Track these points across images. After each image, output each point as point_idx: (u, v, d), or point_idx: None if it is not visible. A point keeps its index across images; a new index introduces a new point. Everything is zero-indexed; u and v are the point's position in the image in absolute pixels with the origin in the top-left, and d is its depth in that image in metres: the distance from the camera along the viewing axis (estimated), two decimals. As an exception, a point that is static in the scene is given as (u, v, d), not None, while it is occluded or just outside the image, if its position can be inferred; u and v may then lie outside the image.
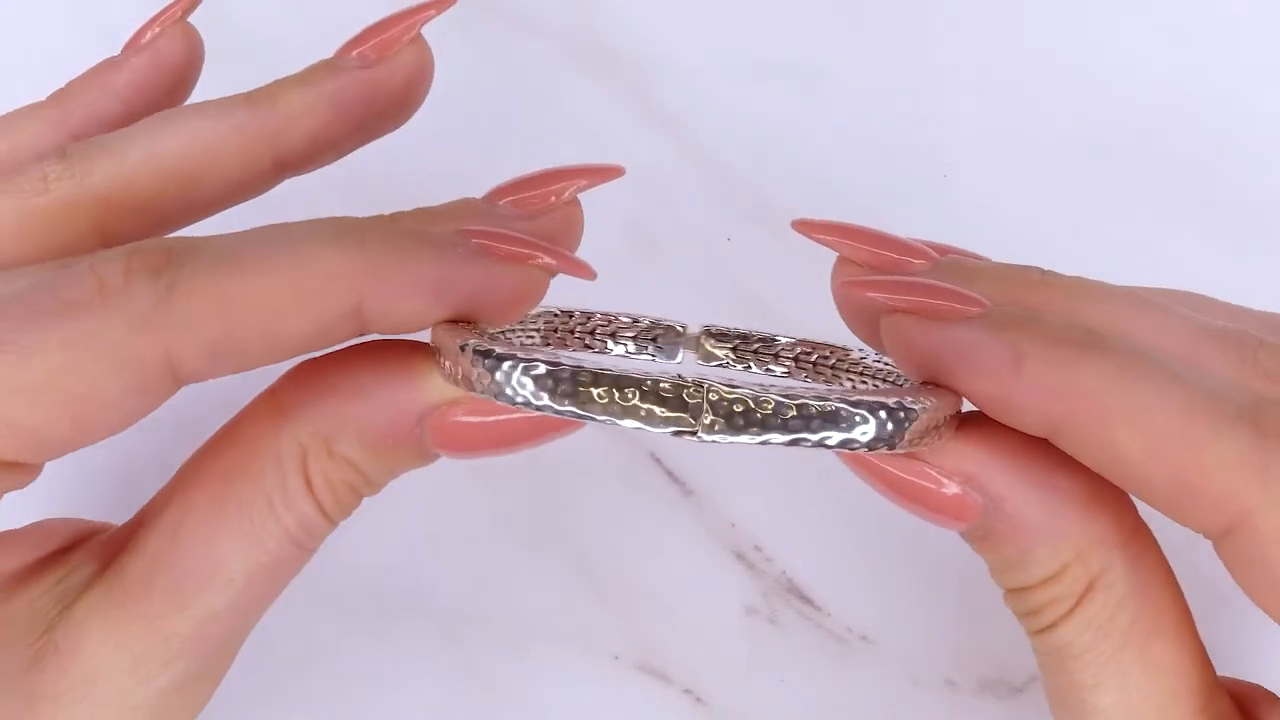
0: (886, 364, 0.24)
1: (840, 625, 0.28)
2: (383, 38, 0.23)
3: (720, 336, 0.25)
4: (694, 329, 0.25)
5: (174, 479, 0.21)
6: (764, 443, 0.18)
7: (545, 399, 0.17)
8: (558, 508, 0.29)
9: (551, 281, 0.21)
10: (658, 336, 0.25)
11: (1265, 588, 0.19)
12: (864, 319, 0.21)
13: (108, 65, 0.24)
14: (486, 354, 0.18)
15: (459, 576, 0.29)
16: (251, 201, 0.24)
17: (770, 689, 0.28)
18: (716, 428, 0.17)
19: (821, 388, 0.18)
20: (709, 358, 0.25)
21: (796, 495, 0.29)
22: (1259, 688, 0.22)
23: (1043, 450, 0.19)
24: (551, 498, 0.29)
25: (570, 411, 0.17)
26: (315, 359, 0.20)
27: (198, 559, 0.20)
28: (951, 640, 0.28)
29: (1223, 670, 0.21)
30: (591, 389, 0.17)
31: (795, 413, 0.18)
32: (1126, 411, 0.18)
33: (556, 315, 0.25)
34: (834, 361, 0.25)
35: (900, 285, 0.20)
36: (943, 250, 0.22)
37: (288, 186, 0.24)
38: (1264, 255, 0.31)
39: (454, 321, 0.20)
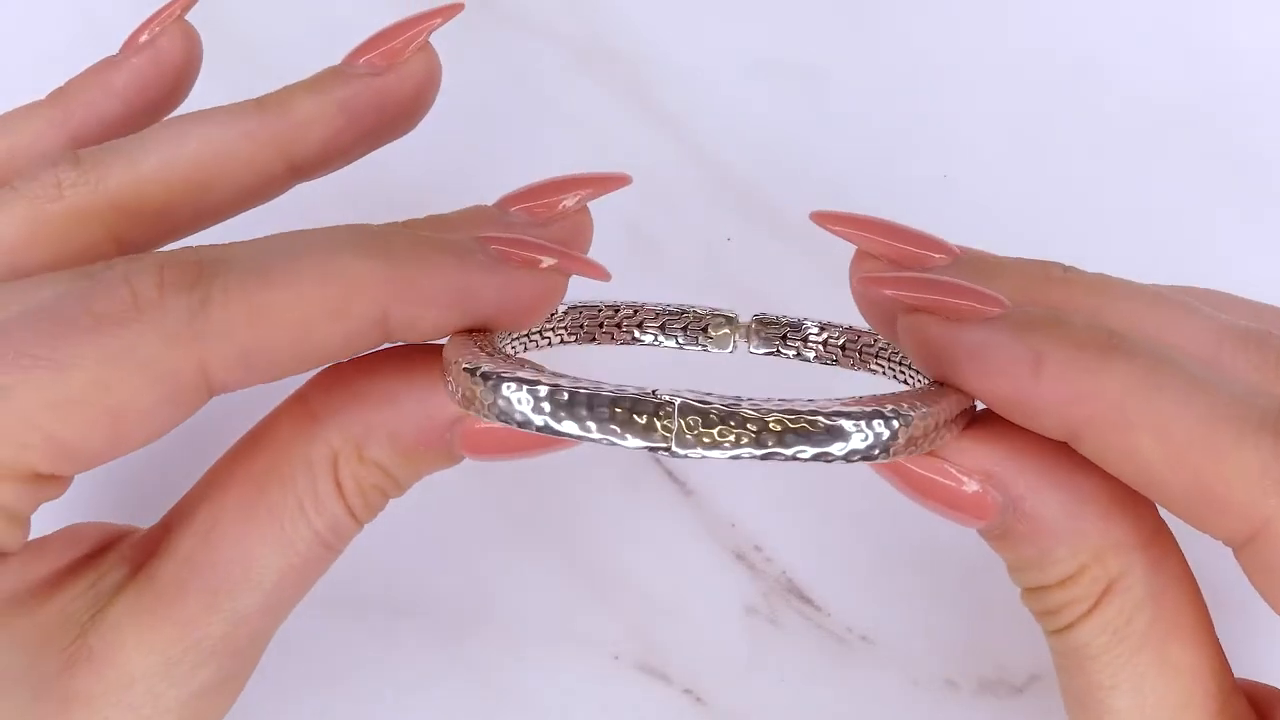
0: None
1: (840, 625, 0.28)
2: (391, 45, 0.23)
3: (766, 324, 0.25)
4: (744, 318, 0.25)
5: (202, 482, 0.21)
6: (735, 457, 0.17)
7: (527, 415, 0.18)
8: (558, 508, 0.29)
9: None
10: (706, 326, 0.25)
11: None
12: (882, 314, 0.21)
13: (107, 65, 0.24)
14: (474, 372, 0.18)
15: (459, 576, 0.29)
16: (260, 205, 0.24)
17: (770, 689, 0.28)
18: (689, 442, 0.17)
19: (802, 400, 0.18)
20: (754, 342, 0.25)
21: (796, 495, 0.29)
22: (1277, 690, 0.22)
23: (1063, 450, 0.19)
24: (552, 498, 0.29)
25: (548, 428, 0.17)
26: (344, 365, 0.21)
27: (229, 562, 0.20)
28: (951, 640, 0.28)
29: (1241, 673, 0.21)
30: (571, 408, 0.17)
31: (768, 426, 0.17)
32: (1147, 418, 0.18)
33: (599, 308, 0.25)
34: (861, 346, 0.25)
35: (920, 283, 0.20)
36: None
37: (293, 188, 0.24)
38: (1268, 255, 0.31)
39: (469, 331, 0.20)
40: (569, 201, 0.21)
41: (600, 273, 0.21)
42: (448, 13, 0.24)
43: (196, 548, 0.20)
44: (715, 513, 0.29)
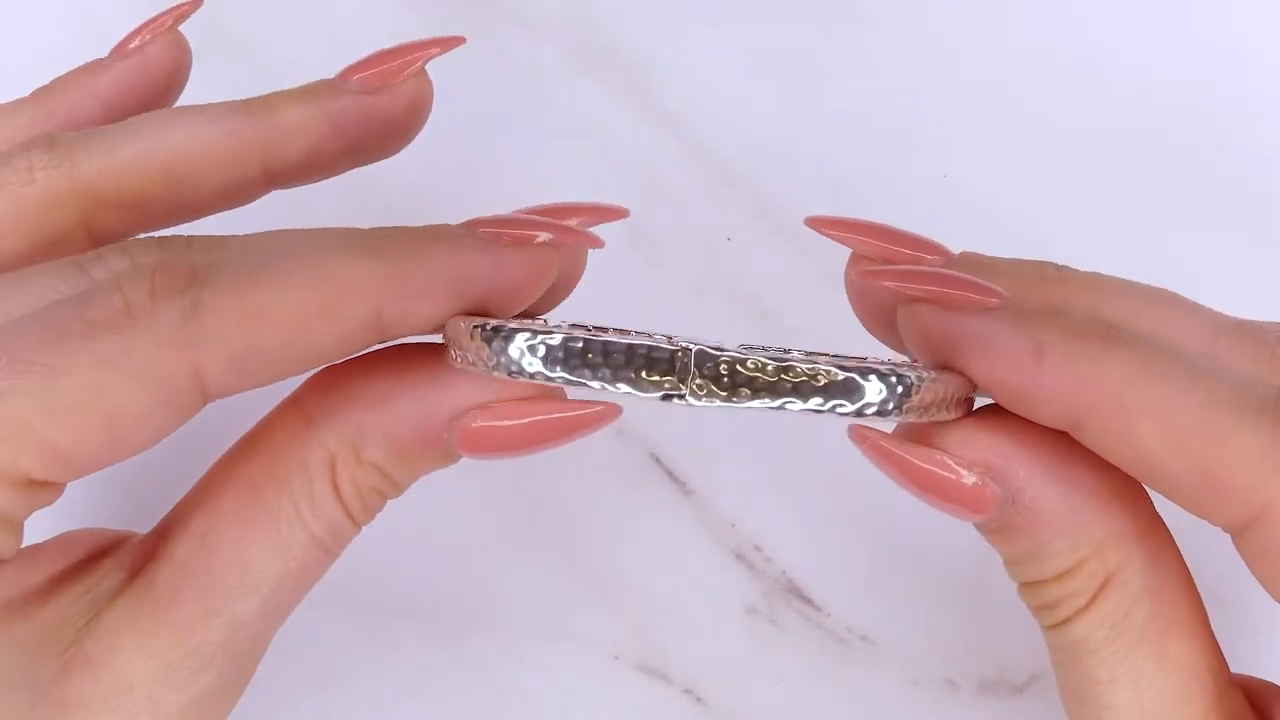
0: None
1: (840, 625, 0.28)
2: (387, 66, 0.23)
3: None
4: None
5: (198, 487, 0.21)
6: (749, 408, 0.18)
7: (539, 367, 0.18)
8: (558, 508, 0.29)
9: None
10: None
11: None
12: (878, 312, 0.21)
13: (93, 67, 0.24)
14: (485, 329, 0.18)
15: (459, 577, 0.29)
16: (255, 204, 0.24)
17: (770, 689, 0.28)
18: (704, 391, 0.18)
19: (820, 353, 0.18)
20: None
21: (796, 495, 0.29)
22: (1272, 685, 0.22)
23: (1062, 442, 0.19)
24: (552, 498, 0.29)
25: (562, 378, 0.18)
26: (338, 367, 0.21)
27: (226, 566, 0.20)
28: (951, 640, 0.28)
29: (1235, 669, 0.21)
30: (583, 356, 0.18)
31: (785, 376, 0.18)
32: (1148, 404, 0.18)
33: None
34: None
35: (919, 275, 0.20)
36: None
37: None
38: (1268, 254, 0.31)
39: (466, 315, 0.20)
40: (542, 236, 0.21)
41: (594, 240, 0.21)
42: (446, 44, 0.24)
43: (193, 553, 0.20)
44: (715, 513, 0.29)
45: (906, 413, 0.18)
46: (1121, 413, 0.18)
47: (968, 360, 0.19)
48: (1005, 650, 0.28)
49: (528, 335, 0.18)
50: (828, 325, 0.26)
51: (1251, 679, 0.22)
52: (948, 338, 0.19)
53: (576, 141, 0.33)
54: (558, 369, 0.18)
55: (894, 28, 0.34)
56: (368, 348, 0.20)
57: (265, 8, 0.34)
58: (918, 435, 0.20)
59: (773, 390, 0.18)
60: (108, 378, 0.18)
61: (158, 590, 0.20)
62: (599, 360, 0.18)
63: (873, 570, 0.29)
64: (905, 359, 0.24)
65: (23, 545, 0.20)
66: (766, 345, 0.18)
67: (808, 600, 0.28)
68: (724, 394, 0.18)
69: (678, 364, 0.18)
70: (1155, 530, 0.20)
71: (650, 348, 0.18)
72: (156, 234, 0.22)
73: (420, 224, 0.21)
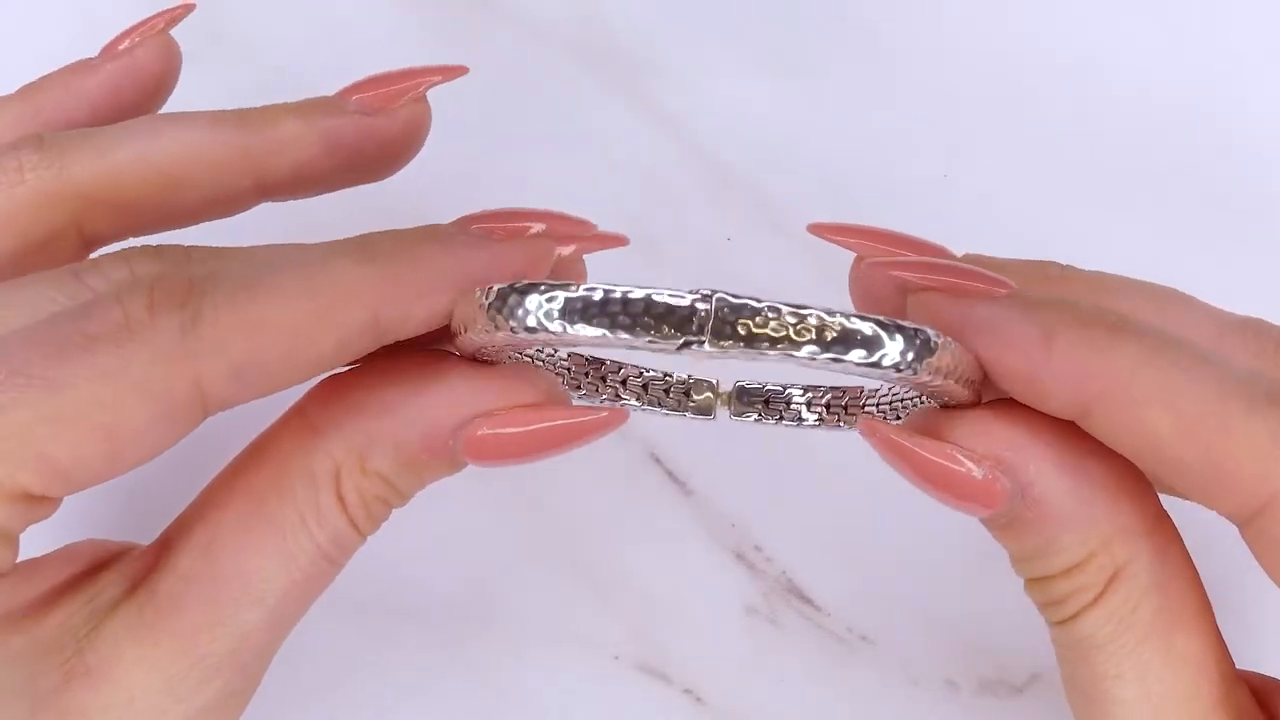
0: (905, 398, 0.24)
1: (840, 625, 0.28)
2: (387, 90, 0.23)
3: (749, 394, 0.25)
4: (725, 387, 0.25)
5: (201, 498, 0.21)
6: (767, 356, 0.17)
7: (557, 320, 0.18)
8: (558, 508, 0.29)
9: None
10: (689, 391, 0.25)
11: None
12: (883, 309, 0.21)
13: (81, 67, 0.24)
14: (501, 293, 0.18)
15: (459, 577, 0.29)
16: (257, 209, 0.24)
17: (770, 689, 0.28)
18: (723, 339, 0.17)
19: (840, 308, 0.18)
20: (742, 414, 0.25)
21: (796, 495, 0.29)
22: (1276, 681, 0.22)
23: (1071, 435, 0.19)
24: (552, 498, 0.29)
25: (581, 331, 0.17)
26: (342, 375, 0.20)
27: (230, 576, 0.20)
28: (951, 640, 0.28)
29: (1240, 664, 0.21)
30: (602, 307, 0.17)
31: (806, 323, 0.17)
32: (1158, 392, 0.18)
33: (587, 360, 0.24)
34: (847, 402, 0.24)
35: (929, 266, 0.20)
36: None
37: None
38: (1267, 255, 0.31)
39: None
40: (536, 227, 0.21)
41: (586, 227, 0.21)
42: (449, 73, 0.24)
43: (196, 563, 0.20)
44: (715, 513, 0.29)
45: (923, 371, 0.18)
46: (1131, 401, 0.18)
47: (978, 346, 0.19)
48: (1005, 650, 0.28)
49: (544, 288, 0.18)
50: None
51: (1256, 675, 0.22)
52: (957, 325, 0.19)
53: (576, 142, 0.33)
54: (576, 321, 0.18)
55: (894, 29, 0.34)
56: (367, 351, 0.20)
57: (265, 10, 0.34)
58: (927, 429, 0.20)
59: (792, 340, 0.17)
60: (107, 391, 0.18)
61: (159, 600, 0.19)
62: (618, 309, 0.17)
63: (873, 570, 0.29)
64: None
65: (20, 558, 0.20)
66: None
67: (808, 600, 0.28)
68: (743, 343, 0.17)
69: (697, 312, 0.17)
70: (1162, 525, 0.20)
71: (670, 293, 0.17)
72: (155, 242, 0.21)
73: (415, 223, 0.21)
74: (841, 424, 0.24)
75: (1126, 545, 0.19)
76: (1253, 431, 0.18)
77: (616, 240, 0.22)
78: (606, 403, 0.22)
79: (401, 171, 0.25)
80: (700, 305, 0.17)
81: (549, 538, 0.29)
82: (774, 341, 0.17)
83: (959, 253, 0.22)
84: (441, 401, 0.20)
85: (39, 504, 0.19)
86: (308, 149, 0.23)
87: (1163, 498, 0.20)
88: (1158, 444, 0.18)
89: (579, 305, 0.18)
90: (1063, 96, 0.33)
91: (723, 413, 0.24)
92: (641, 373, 0.24)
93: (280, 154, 0.23)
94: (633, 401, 0.24)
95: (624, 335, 0.17)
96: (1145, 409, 0.18)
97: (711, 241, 0.32)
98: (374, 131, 0.23)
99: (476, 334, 0.19)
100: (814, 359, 0.17)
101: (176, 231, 0.23)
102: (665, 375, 0.24)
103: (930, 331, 0.18)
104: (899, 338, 0.18)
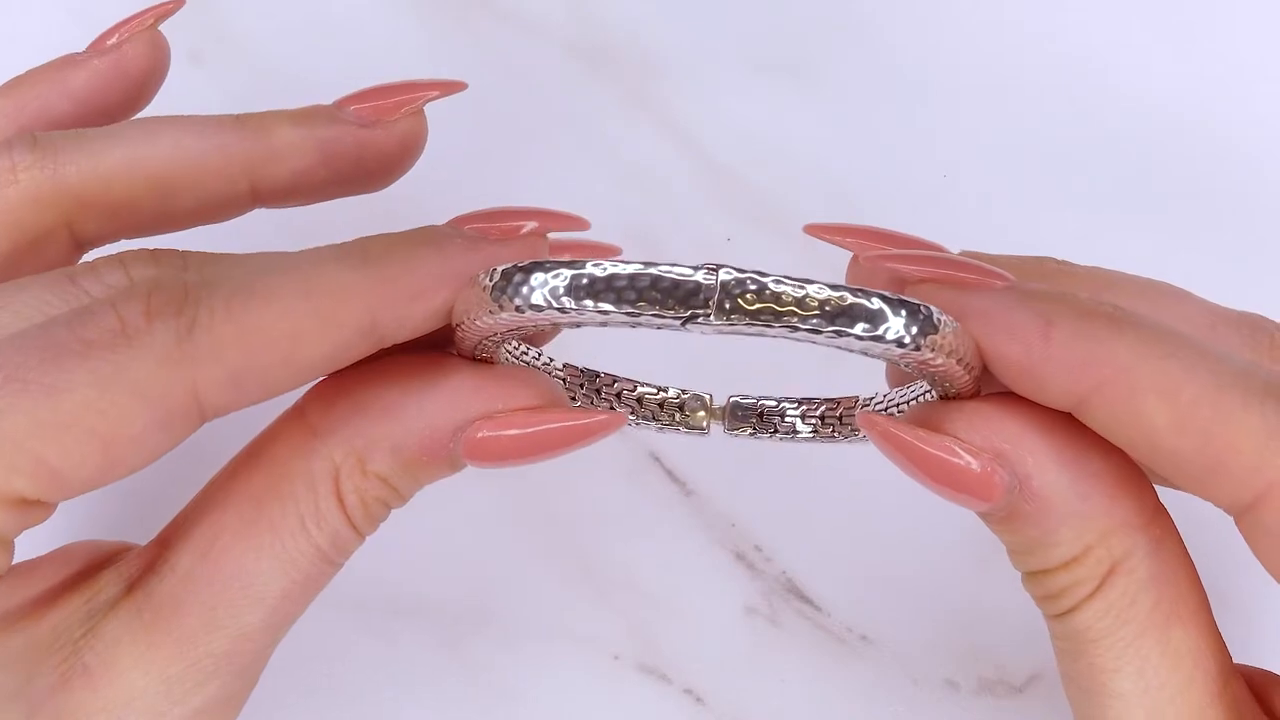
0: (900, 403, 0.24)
1: (840, 625, 0.28)
2: (385, 102, 0.23)
3: (742, 409, 0.25)
4: (719, 402, 0.24)
5: (199, 499, 0.21)
6: (773, 330, 0.17)
7: (563, 298, 0.18)
8: (558, 508, 0.29)
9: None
10: (683, 406, 0.24)
11: None
12: None
13: (67, 63, 0.24)
14: (506, 273, 0.18)
15: (459, 576, 0.29)
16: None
17: (770, 689, 0.28)
18: (730, 312, 0.17)
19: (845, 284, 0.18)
20: (736, 429, 0.25)
21: (796, 495, 0.29)
22: (1274, 674, 0.22)
23: (1069, 428, 0.19)
24: (552, 498, 0.29)
25: (587, 308, 0.17)
26: (343, 377, 0.20)
27: (229, 578, 0.20)
28: (951, 640, 0.28)
29: (1236, 659, 0.21)
30: (609, 282, 0.17)
31: (812, 296, 0.17)
32: (1156, 383, 0.18)
33: (582, 372, 0.24)
34: (841, 413, 0.24)
35: (926, 259, 0.20)
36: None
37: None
38: (1265, 253, 0.31)
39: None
40: (528, 226, 0.21)
41: (579, 223, 0.21)
42: (448, 88, 0.24)
43: (195, 564, 0.20)
44: (715, 513, 0.29)
45: (925, 348, 0.18)
46: (1129, 391, 0.18)
47: (976, 335, 0.19)
48: (1005, 650, 0.28)
49: (549, 265, 0.18)
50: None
51: (1253, 669, 0.22)
52: (955, 315, 0.19)
53: (576, 143, 0.33)
54: (582, 297, 0.17)
55: (894, 30, 0.34)
56: (365, 355, 0.20)
57: (263, 11, 0.34)
58: (926, 422, 0.20)
59: (798, 313, 0.17)
60: (104, 397, 0.18)
61: (158, 601, 0.19)
62: (624, 285, 0.17)
63: (873, 570, 0.29)
64: None
65: (16, 559, 0.20)
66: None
67: (808, 600, 0.28)
68: (748, 317, 0.17)
69: (703, 287, 0.17)
70: (1159, 519, 0.20)
71: (675, 268, 0.17)
72: (150, 246, 0.21)
73: (415, 224, 0.21)
74: (836, 435, 0.24)
75: (1124, 539, 0.19)
76: (1248, 423, 0.18)
77: (609, 250, 0.22)
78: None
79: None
80: (706, 279, 0.17)
81: (549, 537, 0.29)
82: (778, 315, 0.17)
83: (956, 251, 0.22)
84: (442, 404, 0.20)
85: (34, 509, 0.19)
86: (303, 158, 0.23)
87: (1160, 491, 0.20)
88: (1154, 435, 0.18)
89: (584, 281, 0.17)
90: (1062, 97, 0.33)
91: (716, 428, 0.24)
92: (636, 386, 0.24)
93: (276, 162, 0.23)
94: (628, 416, 0.24)
95: (629, 310, 0.17)
96: (1142, 400, 0.18)
97: (711, 241, 0.32)
98: (370, 143, 0.23)
99: (479, 319, 0.19)
100: (819, 332, 0.17)
101: (172, 235, 0.23)
102: (660, 389, 0.24)
103: (934, 309, 0.18)
104: (903, 312, 0.18)
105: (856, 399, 0.24)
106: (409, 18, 0.34)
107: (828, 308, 0.17)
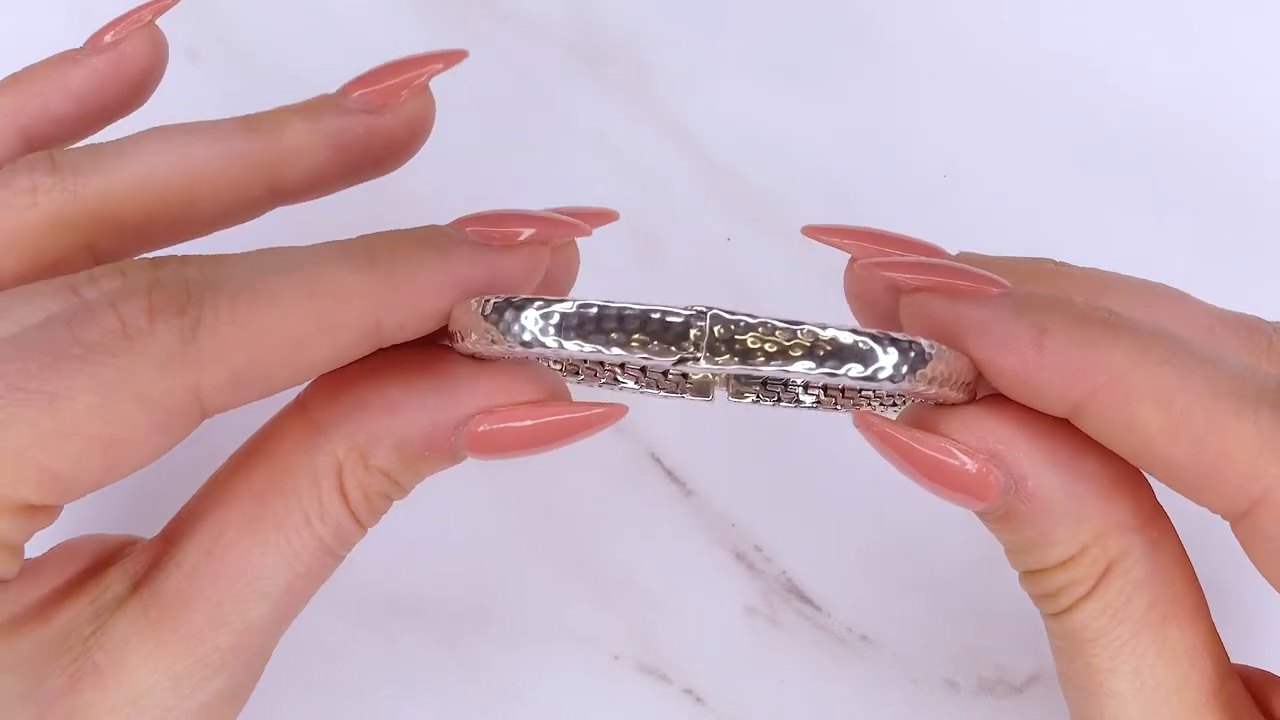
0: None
1: (840, 625, 0.28)
2: (390, 83, 0.23)
3: (747, 377, 0.25)
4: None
5: (202, 494, 0.21)
6: (762, 372, 0.18)
7: (553, 336, 0.18)
8: (558, 508, 0.29)
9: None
10: (687, 373, 0.25)
11: None
12: (876, 310, 0.21)
13: (66, 60, 0.24)
14: (494, 304, 0.18)
15: (459, 576, 0.29)
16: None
17: (770, 689, 0.28)
18: (718, 355, 0.18)
19: (833, 322, 0.18)
20: (740, 395, 0.25)
21: (796, 495, 0.29)
22: (1271, 675, 0.22)
23: (1065, 430, 0.19)
24: (552, 498, 0.29)
25: (576, 347, 0.18)
26: (345, 372, 0.20)
27: (235, 574, 0.20)
28: (951, 640, 0.28)
29: (1234, 659, 0.21)
30: (598, 323, 0.18)
31: (799, 339, 0.18)
32: (1149, 389, 0.18)
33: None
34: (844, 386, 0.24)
35: (921, 266, 0.20)
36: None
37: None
38: (1264, 254, 0.31)
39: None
40: (526, 233, 0.21)
41: (582, 230, 0.21)
42: (450, 58, 0.24)
43: (201, 561, 0.20)
44: (715, 513, 0.29)
45: (917, 381, 0.18)
46: (1123, 398, 0.18)
47: (970, 347, 0.19)
48: (1005, 650, 0.28)
49: (540, 304, 0.18)
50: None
51: (1251, 669, 0.22)
52: (950, 325, 0.19)
53: (576, 142, 0.33)
54: (572, 337, 0.18)
55: (894, 30, 0.34)
56: (366, 354, 0.20)
57: (262, 10, 0.34)
58: (922, 422, 0.20)
59: (786, 354, 0.18)
60: (107, 403, 0.18)
61: (165, 599, 0.20)
62: (613, 326, 0.18)
63: (873, 570, 0.29)
64: None
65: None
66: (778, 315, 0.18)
67: (808, 600, 0.28)
68: (738, 358, 0.18)
69: (692, 328, 0.18)
70: (1157, 519, 0.20)
71: (665, 312, 0.18)
72: (151, 255, 0.21)
73: (415, 223, 0.21)
74: (839, 406, 0.24)
75: (1119, 539, 0.19)
76: (1243, 431, 0.18)
77: (606, 215, 0.22)
78: (604, 386, 0.22)
79: (400, 171, 0.25)
80: (695, 322, 0.18)
81: (549, 537, 0.29)
82: (769, 357, 0.18)
83: (954, 251, 0.22)
84: (445, 399, 0.20)
85: (41, 512, 0.19)
86: (318, 154, 0.23)
87: (1160, 492, 0.20)
88: (1148, 441, 0.18)
89: (574, 322, 0.18)
90: (1062, 97, 0.33)
91: (720, 394, 0.24)
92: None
93: (292, 161, 0.22)
94: (630, 384, 0.24)
95: (619, 352, 0.18)
96: (1136, 406, 0.18)
97: (711, 241, 0.32)
98: (380, 130, 0.23)
99: (474, 344, 0.19)
100: (809, 374, 0.18)
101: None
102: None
103: (924, 343, 0.18)
104: (893, 351, 0.18)
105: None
106: (409, 17, 0.34)
107: (817, 350, 0.18)
